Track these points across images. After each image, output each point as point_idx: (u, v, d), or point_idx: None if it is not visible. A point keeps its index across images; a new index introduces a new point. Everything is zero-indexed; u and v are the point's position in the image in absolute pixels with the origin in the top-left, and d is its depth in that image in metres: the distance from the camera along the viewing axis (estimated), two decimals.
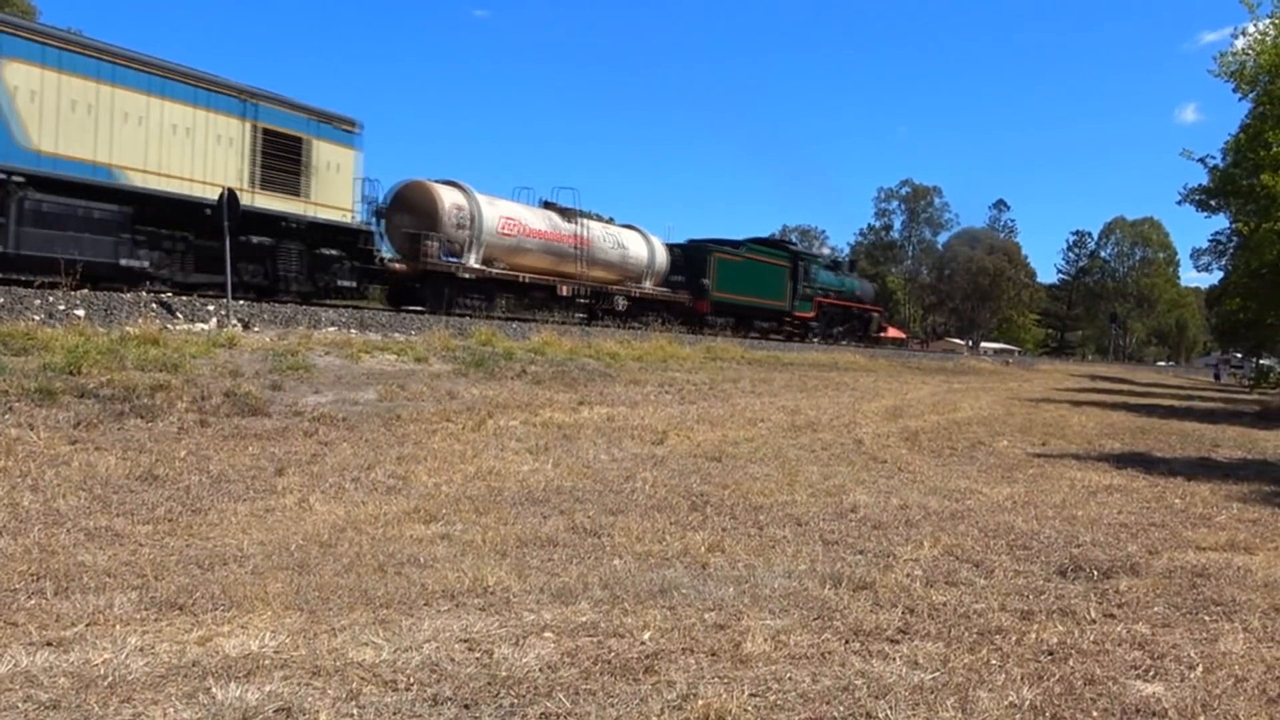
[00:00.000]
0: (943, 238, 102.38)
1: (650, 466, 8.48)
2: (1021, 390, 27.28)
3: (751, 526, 6.23)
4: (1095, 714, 3.38)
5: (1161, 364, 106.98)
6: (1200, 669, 3.86)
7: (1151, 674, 3.82)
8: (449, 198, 21.17)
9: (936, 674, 3.66)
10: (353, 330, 15.79)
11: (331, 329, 15.38)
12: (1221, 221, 36.08)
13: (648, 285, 28.11)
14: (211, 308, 14.51)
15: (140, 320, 12.30)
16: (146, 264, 14.56)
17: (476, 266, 21.16)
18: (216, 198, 14.41)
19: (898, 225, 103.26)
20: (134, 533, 5.27)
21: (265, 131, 16.23)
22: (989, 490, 8.21)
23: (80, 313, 12.27)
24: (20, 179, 12.62)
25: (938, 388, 24.53)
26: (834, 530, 6.22)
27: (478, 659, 3.64)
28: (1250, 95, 24.50)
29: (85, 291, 13.02)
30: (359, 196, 18.39)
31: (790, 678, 3.56)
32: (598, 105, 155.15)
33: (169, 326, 12.70)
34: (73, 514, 5.53)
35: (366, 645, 3.72)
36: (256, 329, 14.05)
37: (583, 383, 14.78)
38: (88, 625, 3.79)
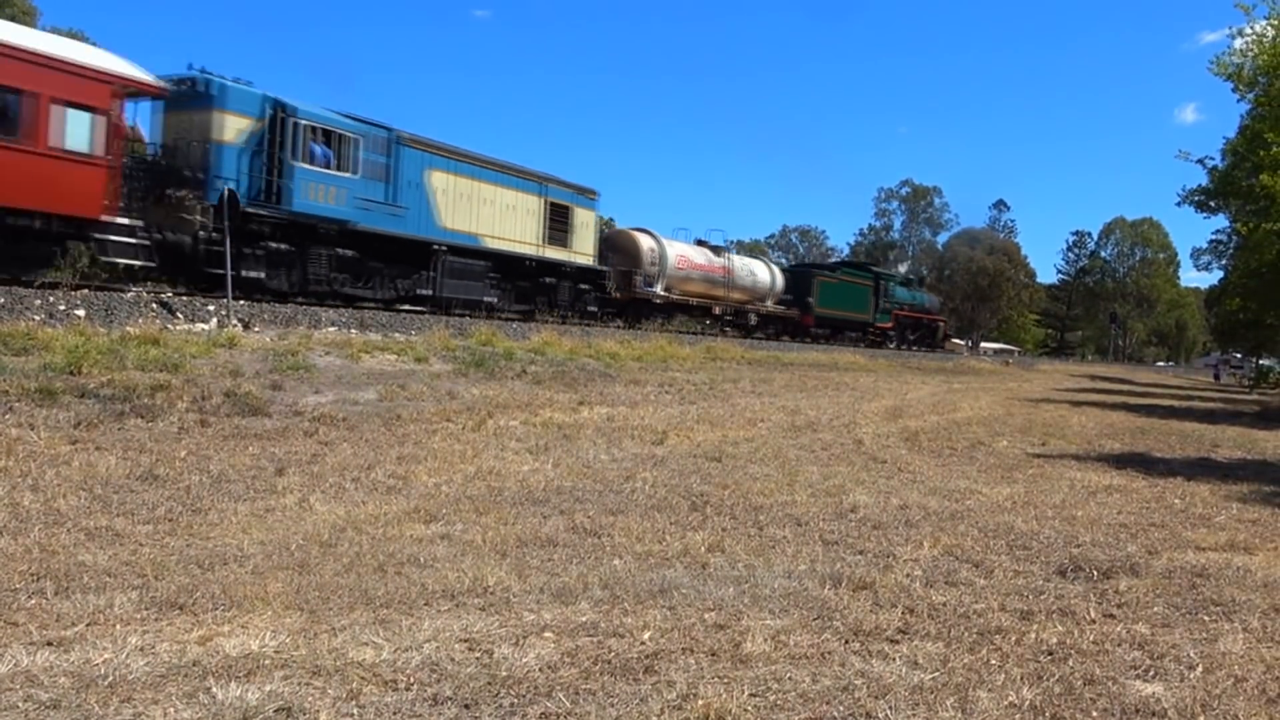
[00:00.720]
0: (943, 238, 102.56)
1: (650, 466, 8.48)
2: (1021, 390, 27.29)
3: (751, 526, 6.24)
4: (1095, 714, 3.39)
5: (1161, 364, 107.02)
6: (1200, 669, 3.86)
7: (1151, 674, 3.82)
8: (645, 242, 28.16)
9: (936, 674, 3.66)
10: (353, 330, 15.79)
11: (332, 329, 15.38)
12: (1221, 222, 36.10)
13: (769, 304, 35.27)
14: (212, 307, 14.51)
15: (140, 320, 12.31)
16: (495, 299, 21.22)
17: (663, 294, 28.60)
18: (528, 253, 21.98)
19: (898, 225, 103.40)
20: (134, 532, 5.27)
21: (551, 204, 22.98)
22: (989, 490, 8.22)
23: (80, 313, 12.27)
24: (442, 247, 19.53)
25: (937, 388, 24.53)
26: (834, 530, 6.23)
27: (478, 659, 3.64)
28: (1249, 96, 24.51)
29: (85, 292, 13.03)
30: (596, 245, 25.37)
31: (790, 678, 3.56)
32: (598, 105, 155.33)
33: (169, 326, 12.70)
34: (73, 514, 5.54)
35: (366, 645, 3.72)
36: (257, 329, 14.05)
37: (583, 383, 14.78)
38: (88, 625, 3.79)
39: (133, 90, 14.40)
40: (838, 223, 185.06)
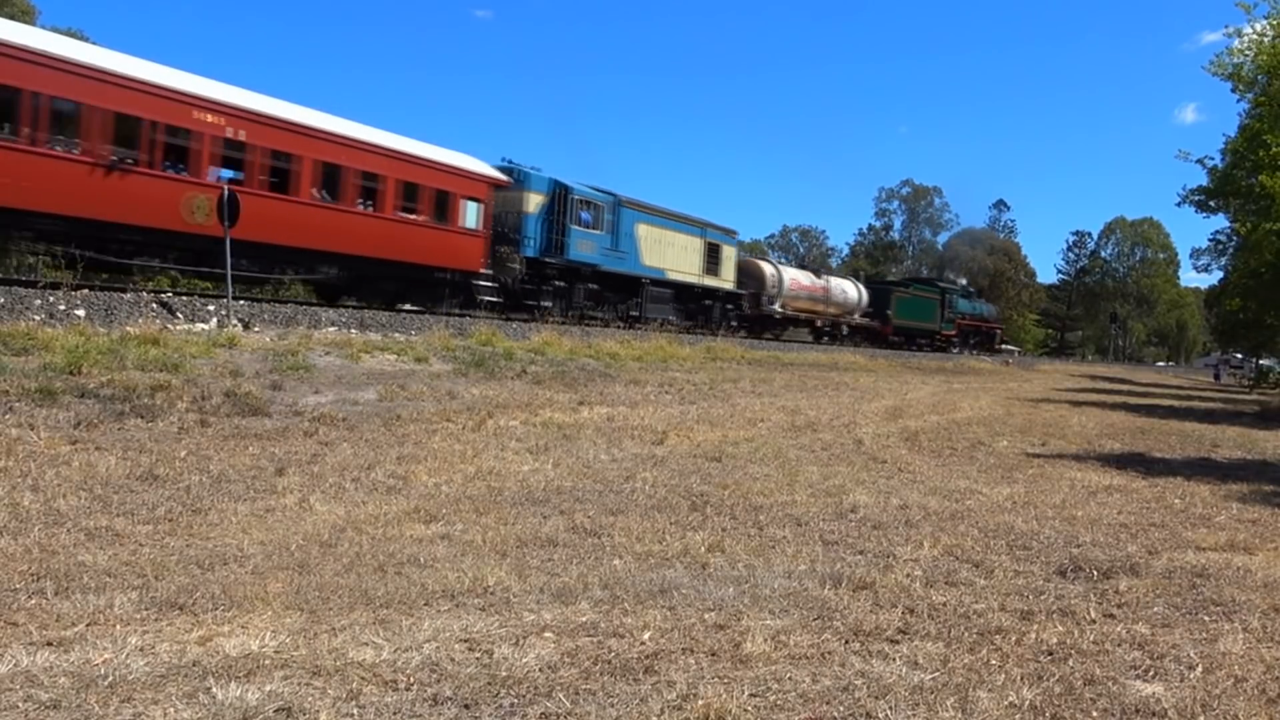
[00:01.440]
0: (943, 238, 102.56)
1: (650, 466, 8.48)
2: (1021, 390, 27.28)
3: (751, 526, 6.24)
4: (1095, 714, 3.39)
5: (1161, 364, 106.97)
6: (1200, 669, 3.87)
7: (1151, 674, 3.82)
8: (768, 269, 35.95)
9: (936, 674, 3.66)
10: (353, 330, 15.79)
11: (331, 329, 15.38)
12: (1221, 221, 36.10)
13: (856, 316, 42.59)
14: (212, 308, 14.52)
15: (140, 320, 12.32)
16: (675, 318, 28.42)
17: (780, 310, 35.53)
18: (694, 282, 29.52)
19: (898, 225, 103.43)
20: (134, 533, 5.27)
21: (708, 244, 30.47)
22: (989, 490, 8.22)
23: (80, 313, 12.27)
24: (646, 280, 27.16)
25: (937, 388, 24.53)
26: (834, 530, 6.23)
27: (478, 659, 3.64)
28: (1248, 95, 24.52)
29: (85, 292, 13.04)
30: (734, 271, 32.71)
31: (790, 678, 3.56)
32: (599, 105, 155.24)
33: (169, 327, 12.70)
34: (73, 514, 5.54)
35: (366, 645, 3.72)
36: (256, 329, 14.05)
37: (583, 383, 14.78)
38: (88, 625, 3.80)
39: (497, 185, 22.29)
40: (838, 222, 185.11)
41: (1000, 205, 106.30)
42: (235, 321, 14.08)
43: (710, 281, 30.63)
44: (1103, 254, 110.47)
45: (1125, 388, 36.45)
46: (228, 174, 16.51)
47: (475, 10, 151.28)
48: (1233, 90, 24.48)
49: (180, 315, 13.76)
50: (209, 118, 15.76)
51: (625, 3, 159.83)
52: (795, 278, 37.71)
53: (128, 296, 13.56)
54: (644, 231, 26.88)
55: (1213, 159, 27.11)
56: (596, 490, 7.26)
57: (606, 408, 12.57)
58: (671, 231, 28.53)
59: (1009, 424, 15.40)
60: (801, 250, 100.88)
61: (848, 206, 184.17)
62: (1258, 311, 27.67)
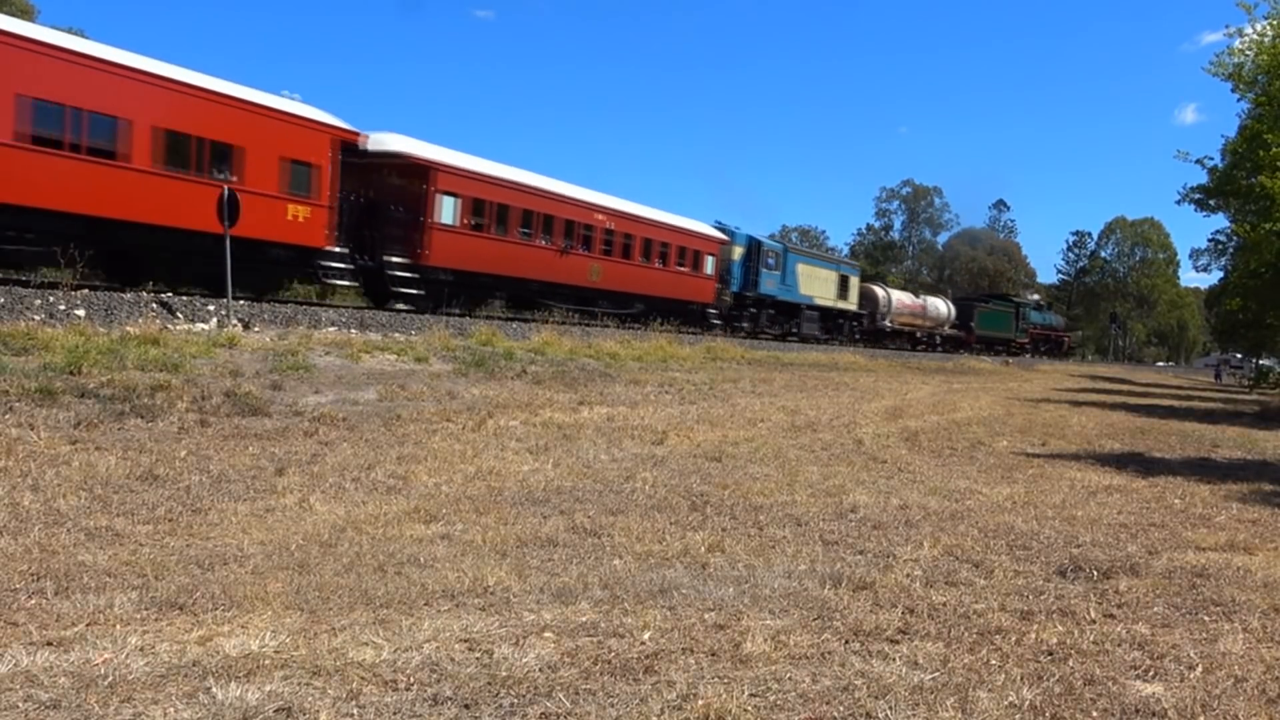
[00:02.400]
0: (943, 238, 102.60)
1: (650, 466, 8.48)
2: (1021, 390, 27.28)
3: (751, 526, 6.24)
4: (1095, 714, 3.39)
5: (1161, 364, 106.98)
6: (1200, 669, 3.87)
7: (1151, 674, 3.82)
8: (880, 292, 45.49)
9: (936, 674, 3.66)
10: (353, 330, 15.79)
11: (332, 329, 15.38)
12: (1221, 221, 36.12)
13: (945, 328, 52.18)
14: (211, 307, 14.52)
15: (140, 320, 12.32)
16: (819, 332, 37.21)
17: (889, 325, 44.92)
18: (831, 305, 38.30)
19: (898, 225, 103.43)
20: (134, 532, 5.27)
21: (840, 276, 40.00)
22: (989, 490, 8.22)
23: (80, 313, 12.28)
24: (803, 305, 36.12)
25: (937, 388, 24.53)
26: (834, 530, 6.23)
27: (478, 659, 3.64)
28: (1248, 96, 24.51)
29: (85, 292, 13.04)
30: (857, 295, 41.71)
31: (790, 678, 3.56)
32: (600, 106, 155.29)
33: (169, 326, 12.71)
34: (73, 514, 5.54)
35: (366, 645, 3.72)
36: (256, 329, 14.05)
37: (583, 383, 14.78)
38: (88, 625, 3.80)
39: (721, 242, 31.43)
40: (838, 222, 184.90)
41: (1000, 205, 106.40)
42: (235, 321, 14.08)
43: (841, 304, 40.38)
44: (1103, 254, 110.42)
45: (1125, 388, 36.45)
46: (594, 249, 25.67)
47: (476, 10, 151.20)
48: (1233, 90, 24.49)
49: (180, 315, 13.76)
50: (598, 216, 25.62)
51: (625, 3, 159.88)
52: (900, 298, 47.70)
53: (127, 296, 13.56)
54: (802, 269, 36.74)
55: (1212, 159, 27.11)
56: (596, 490, 7.26)
57: (606, 408, 12.57)
58: (818, 268, 39.01)
59: (1009, 424, 15.40)
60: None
61: (848, 206, 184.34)
62: (1258, 311, 27.65)
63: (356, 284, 20.01)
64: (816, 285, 37.82)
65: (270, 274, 17.89)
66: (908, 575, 5.13)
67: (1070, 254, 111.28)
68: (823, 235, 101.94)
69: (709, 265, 30.44)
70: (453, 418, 10.42)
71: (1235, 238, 29.11)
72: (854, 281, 41.96)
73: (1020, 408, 19.60)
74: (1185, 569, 5.60)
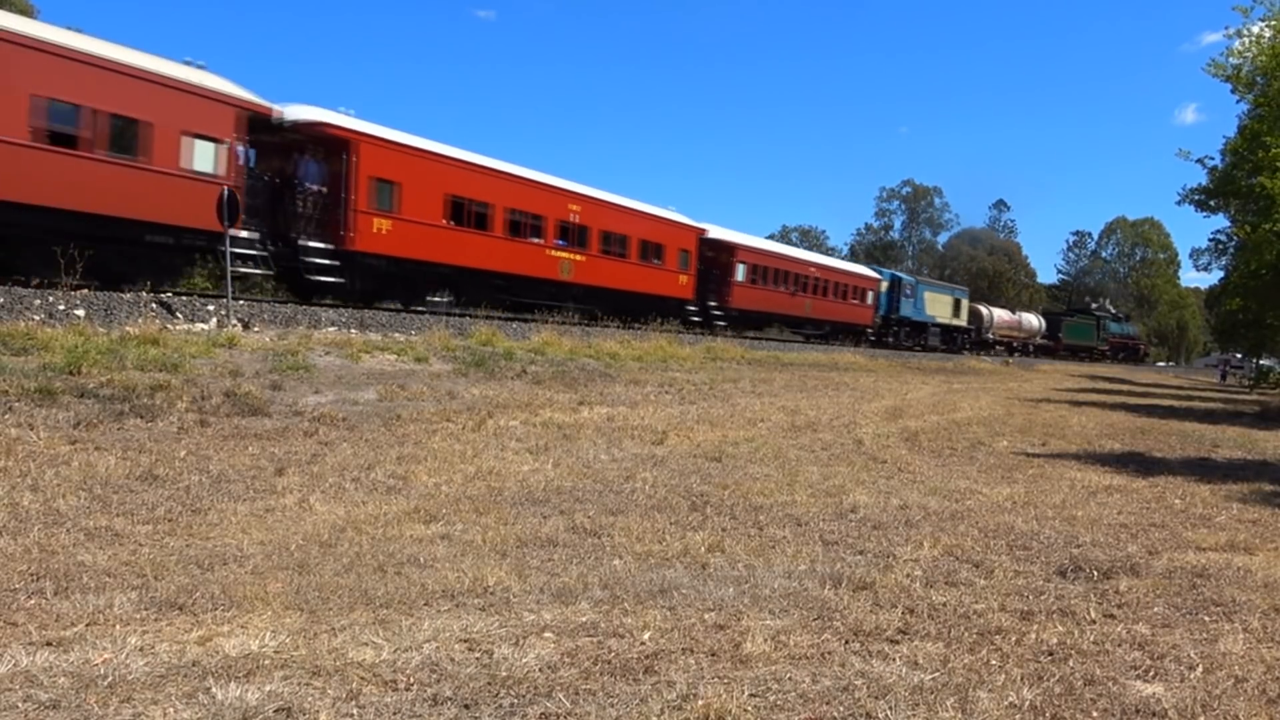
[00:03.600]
0: (943, 238, 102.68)
1: (650, 466, 8.48)
2: (1021, 390, 27.28)
3: (751, 526, 6.24)
4: (1095, 714, 3.39)
5: (1161, 364, 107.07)
6: (1200, 669, 3.86)
7: (1151, 674, 3.82)
8: (984, 310, 55.33)
9: (936, 674, 3.66)
10: (353, 330, 15.79)
11: (331, 329, 15.38)
12: (1221, 221, 36.10)
13: (1037, 339, 63.17)
14: (211, 307, 14.52)
15: (140, 320, 12.32)
16: (941, 345, 48.61)
17: (991, 337, 55.61)
18: (947, 323, 50.09)
19: (898, 225, 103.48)
20: (134, 533, 5.27)
21: (955, 299, 51.57)
22: (989, 490, 8.22)
23: (80, 313, 12.27)
24: (929, 324, 48.19)
25: (937, 388, 24.53)
26: (834, 530, 6.23)
27: (478, 659, 3.64)
28: (1248, 97, 24.50)
29: (85, 292, 13.03)
30: (967, 314, 52.96)
31: (790, 678, 3.56)
32: (601, 106, 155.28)
33: (169, 326, 12.70)
34: (73, 514, 5.53)
35: (366, 645, 3.72)
36: (256, 329, 14.05)
37: (583, 383, 14.78)
38: (88, 625, 3.79)
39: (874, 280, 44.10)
40: (838, 222, 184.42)
41: (1000, 205, 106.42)
42: (235, 321, 14.08)
43: (956, 322, 51.30)
44: (1103, 254, 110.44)
45: (1125, 388, 36.44)
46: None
47: (477, 11, 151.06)
48: (1232, 92, 24.48)
49: (180, 315, 13.76)
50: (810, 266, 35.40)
51: (625, 3, 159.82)
52: (1000, 315, 58.66)
53: (127, 296, 13.55)
54: (928, 296, 48.06)
55: (1213, 159, 27.08)
56: (596, 490, 7.26)
57: (606, 408, 12.57)
58: (939, 294, 50.20)
59: (1009, 424, 15.40)
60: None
61: (848, 206, 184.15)
62: (1258, 311, 27.65)
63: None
64: (938, 308, 48.93)
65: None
66: (908, 575, 5.13)
67: (1070, 254, 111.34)
68: (823, 235, 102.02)
69: (869, 297, 42.70)
70: (453, 418, 10.42)
71: (1235, 238, 29.07)
72: (965, 303, 53.45)
73: (1020, 408, 19.60)
74: (1185, 569, 5.60)
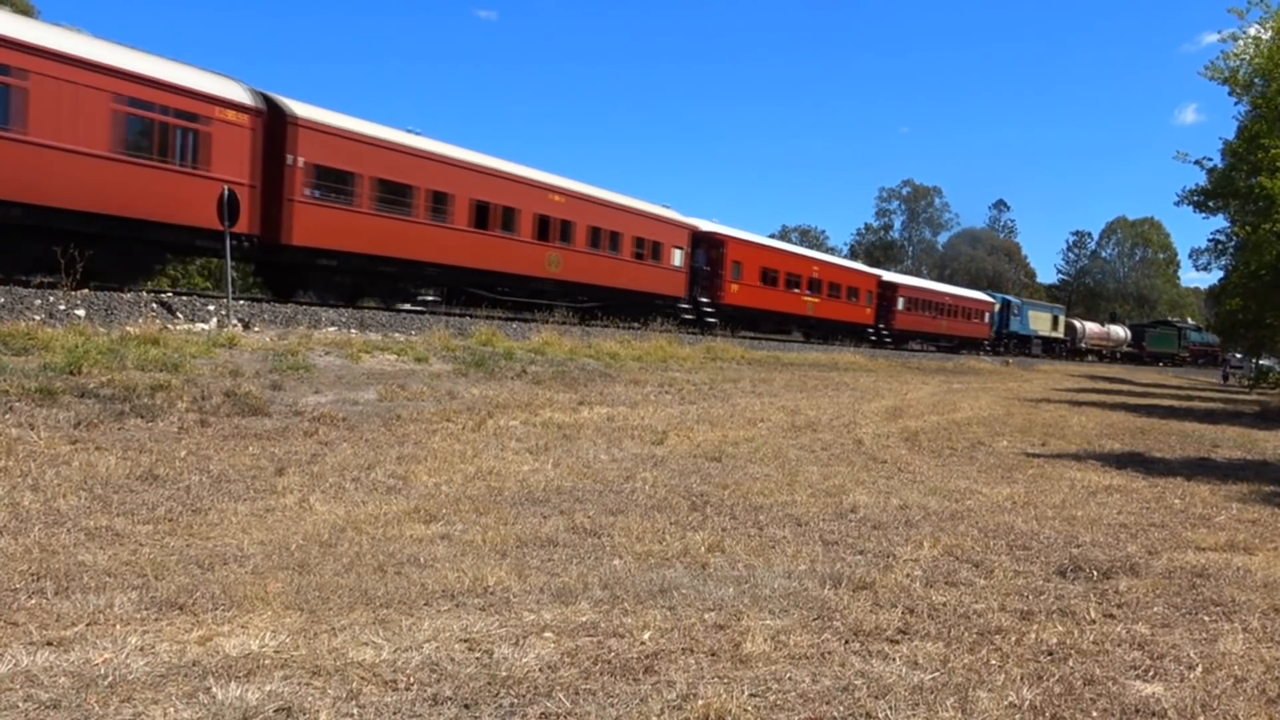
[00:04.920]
0: (943, 238, 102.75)
1: (650, 466, 8.48)
2: (1021, 390, 27.28)
3: (751, 526, 6.24)
4: (1095, 714, 3.39)
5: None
6: (1200, 669, 3.87)
7: (1151, 674, 3.83)
8: (1078, 324, 67.75)
9: (936, 674, 3.66)
10: (353, 330, 15.79)
11: (331, 329, 15.38)
12: (1221, 221, 36.08)
13: (1124, 347, 72.08)
14: (212, 307, 14.52)
15: (141, 320, 12.32)
16: (1043, 355, 59.76)
17: (1084, 346, 66.86)
18: (1049, 334, 62.87)
19: (898, 225, 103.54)
20: (134, 532, 5.27)
21: (1053, 316, 63.72)
22: (989, 490, 8.22)
23: (81, 313, 12.27)
24: (1032, 336, 59.79)
25: (937, 388, 24.53)
26: (834, 530, 6.23)
27: (478, 659, 3.64)
28: (1245, 98, 24.51)
29: (86, 291, 13.04)
30: (1063, 327, 66.04)
31: (790, 678, 3.57)
32: (602, 106, 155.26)
33: (169, 326, 12.71)
34: (73, 514, 5.54)
35: (366, 645, 3.72)
36: (257, 329, 14.05)
37: (583, 383, 14.79)
38: (88, 625, 3.80)
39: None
40: (838, 222, 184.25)
41: (1000, 205, 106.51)
42: (235, 321, 14.08)
43: (1053, 334, 61.81)
44: (1103, 254, 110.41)
45: (1125, 388, 36.44)
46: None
47: (478, 11, 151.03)
48: (1230, 94, 24.49)
49: (180, 315, 13.76)
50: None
51: (626, 3, 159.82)
52: (1091, 328, 69.06)
53: (127, 296, 13.56)
54: (1031, 314, 59.15)
55: (1211, 160, 27.08)
56: (596, 490, 7.26)
57: (606, 408, 12.57)
58: (1040, 312, 61.77)
59: (1009, 424, 15.40)
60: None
61: (848, 206, 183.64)
62: (1258, 311, 27.64)
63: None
64: (1039, 323, 60.11)
65: None
66: (908, 575, 5.13)
67: (1070, 254, 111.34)
68: (822, 235, 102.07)
69: (986, 317, 53.70)
70: (453, 418, 10.42)
71: (1235, 238, 29.05)
72: (1061, 318, 65.20)
73: (1020, 408, 19.60)
74: (1185, 569, 5.60)
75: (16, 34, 13.39)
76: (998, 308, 55.70)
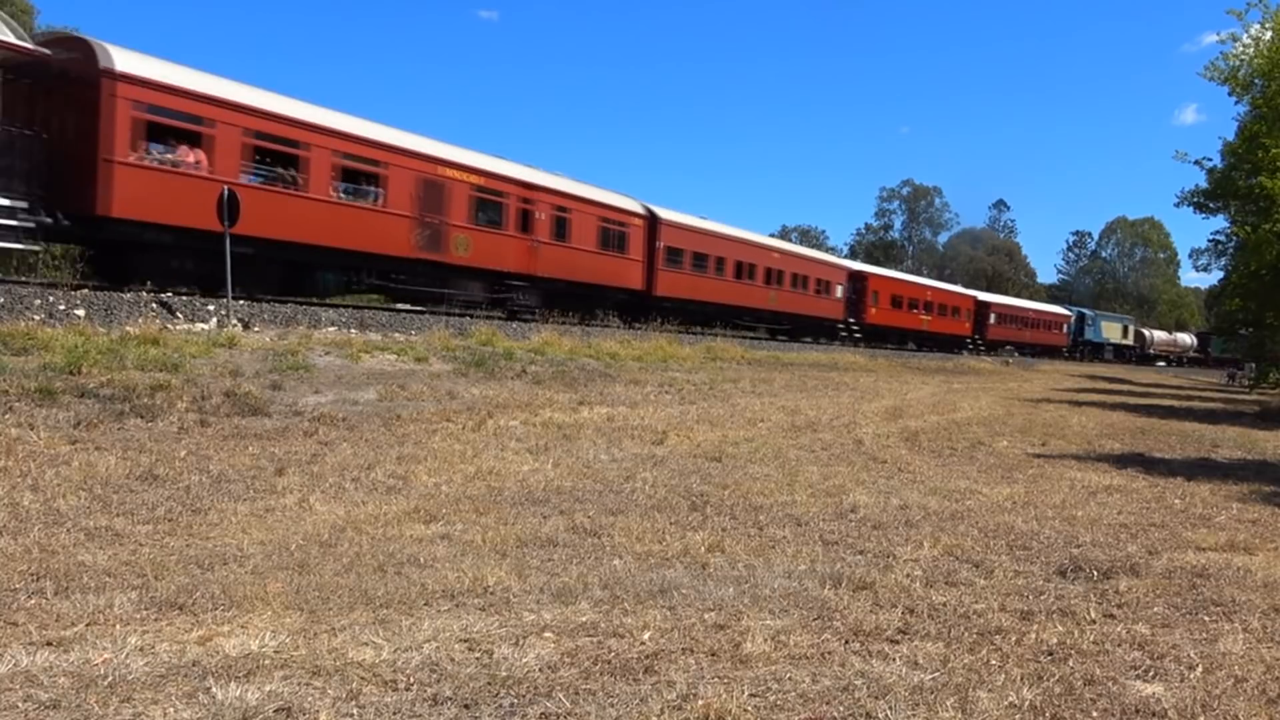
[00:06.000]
0: (943, 238, 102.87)
1: (650, 466, 8.48)
2: (1021, 390, 27.28)
3: (751, 526, 6.24)
4: (1095, 714, 3.39)
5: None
6: (1200, 669, 3.86)
7: (1151, 674, 3.82)
8: (1147, 332, 78.21)
9: (936, 674, 3.66)
10: (353, 330, 15.79)
11: (331, 329, 15.38)
12: (1221, 221, 36.07)
13: (1190, 352, 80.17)
14: (211, 307, 14.51)
15: (140, 320, 12.31)
16: (1114, 359, 69.61)
17: (1154, 352, 76.63)
18: (1119, 341, 73.32)
19: (898, 225, 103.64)
20: (134, 532, 5.27)
21: (1124, 325, 73.93)
22: (989, 490, 8.22)
23: (80, 313, 12.27)
24: (1105, 343, 70.61)
25: (937, 388, 24.53)
26: (834, 530, 6.23)
27: (478, 659, 3.64)
28: (1245, 99, 24.50)
29: (85, 291, 13.03)
30: (1133, 335, 77.18)
31: (790, 678, 3.56)
32: (602, 106, 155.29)
33: (169, 326, 12.70)
34: (73, 514, 5.54)
35: (366, 645, 3.72)
36: (256, 329, 14.05)
37: (583, 383, 14.79)
38: (88, 625, 3.79)
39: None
40: (838, 222, 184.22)
41: (1000, 205, 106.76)
42: (235, 321, 14.08)
43: (1124, 341, 70.00)
44: (1103, 254, 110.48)
45: (1125, 388, 36.44)
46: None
47: (480, 11, 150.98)
48: (1230, 94, 24.49)
49: (180, 315, 13.76)
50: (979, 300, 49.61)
51: (626, 3, 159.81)
52: (1159, 335, 76.85)
53: (127, 296, 13.56)
54: (1103, 324, 68.14)
55: (1211, 160, 27.06)
56: (596, 490, 7.26)
57: (606, 408, 12.57)
58: (1112, 322, 70.18)
59: (1009, 424, 15.40)
60: None
61: (848, 206, 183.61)
62: (1258, 312, 27.63)
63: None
64: (1111, 332, 69.57)
65: None
66: (908, 575, 5.13)
67: (1070, 254, 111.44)
68: (822, 235, 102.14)
69: (1064, 328, 62.93)
70: (453, 418, 10.42)
71: (1235, 239, 29.02)
72: (1131, 328, 73.38)
73: (1020, 408, 19.60)
74: (1185, 569, 5.60)
75: (573, 190, 23.95)
76: (1074, 319, 65.12)
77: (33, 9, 46.27)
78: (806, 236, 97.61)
